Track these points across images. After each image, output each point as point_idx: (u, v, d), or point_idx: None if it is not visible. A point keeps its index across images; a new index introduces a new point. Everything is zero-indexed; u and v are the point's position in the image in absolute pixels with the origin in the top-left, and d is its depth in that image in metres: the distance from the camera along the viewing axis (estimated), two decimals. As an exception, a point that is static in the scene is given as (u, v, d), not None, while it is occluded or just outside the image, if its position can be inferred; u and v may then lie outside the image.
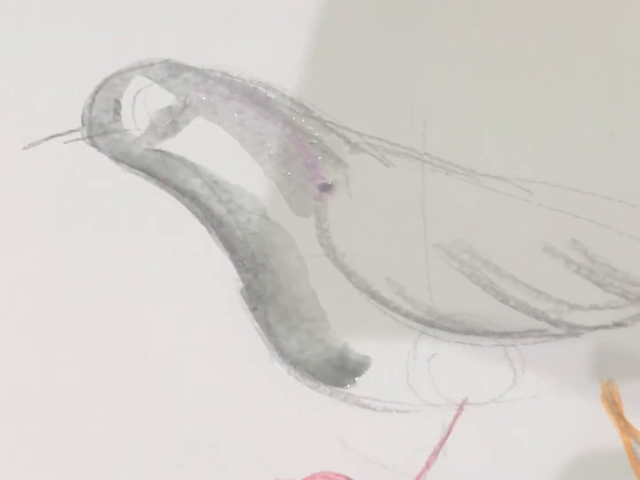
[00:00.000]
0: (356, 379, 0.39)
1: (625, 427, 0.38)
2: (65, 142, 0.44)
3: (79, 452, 0.38)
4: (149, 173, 0.43)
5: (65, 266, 0.41)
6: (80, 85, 0.45)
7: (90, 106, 0.45)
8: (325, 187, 0.43)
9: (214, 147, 0.44)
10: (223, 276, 0.41)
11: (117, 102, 0.45)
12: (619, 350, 0.39)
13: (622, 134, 0.43)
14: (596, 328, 0.40)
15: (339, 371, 0.39)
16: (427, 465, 0.37)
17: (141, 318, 0.40)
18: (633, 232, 0.41)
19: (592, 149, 0.43)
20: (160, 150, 0.44)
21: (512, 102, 0.45)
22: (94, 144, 0.44)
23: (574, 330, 0.40)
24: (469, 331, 0.40)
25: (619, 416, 0.38)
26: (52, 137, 0.44)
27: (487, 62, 0.46)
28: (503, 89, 0.45)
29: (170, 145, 0.44)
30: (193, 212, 0.42)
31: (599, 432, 0.38)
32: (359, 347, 0.39)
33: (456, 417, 0.38)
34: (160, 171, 0.43)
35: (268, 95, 0.45)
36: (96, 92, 0.45)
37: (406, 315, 0.40)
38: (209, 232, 0.42)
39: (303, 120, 0.44)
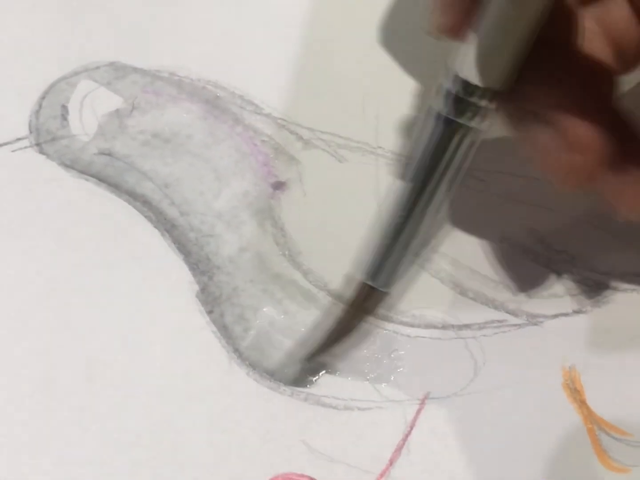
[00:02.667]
0: (316, 378, 0.38)
1: (588, 414, 0.38)
2: (13, 151, 0.43)
3: (35, 457, 0.37)
4: (99, 178, 0.42)
5: (16, 274, 0.40)
6: (25, 92, 0.44)
7: (37, 113, 0.44)
8: (279, 185, 0.42)
9: (163, 149, 0.43)
10: (178, 280, 0.40)
11: (64, 108, 0.44)
12: (580, 337, 0.39)
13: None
14: (556, 316, 0.40)
15: (299, 371, 0.38)
16: (391, 462, 0.37)
17: (96, 324, 0.39)
18: (590, 219, 0.41)
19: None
20: (109, 155, 0.43)
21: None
22: (42, 151, 0.43)
23: (533, 319, 0.40)
24: (428, 325, 0.39)
25: (581, 403, 0.38)
26: (-1, 145, 0.44)
27: (438, 53, 0.45)
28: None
29: (119, 148, 0.43)
30: (145, 216, 0.42)
31: (562, 420, 0.38)
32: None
33: (418, 412, 0.38)
34: (110, 176, 0.42)
35: (217, 94, 0.44)
36: (42, 98, 0.44)
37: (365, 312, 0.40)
38: (162, 235, 0.41)
39: (253, 118, 0.44)
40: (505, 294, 0.40)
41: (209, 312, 0.39)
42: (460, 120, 0.32)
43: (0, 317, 0.40)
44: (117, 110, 0.44)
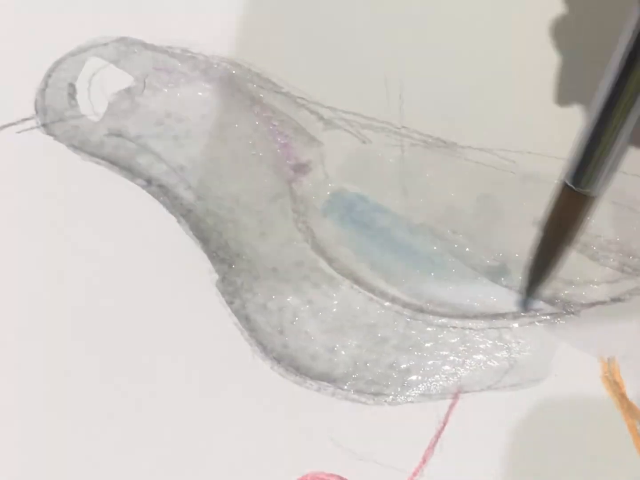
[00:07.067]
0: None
1: (628, 407, 0.36)
2: (18, 132, 0.41)
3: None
4: (110, 161, 0.40)
5: (26, 261, 0.39)
6: (31, 70, 0.42)
7: (43, 92, 0.42)
8: (300, 168, 0.40)
9: (177, 129, 0.41)
10: (197, 269, 0.38)
11: (72, 86, 0.42)
12: (618, 326, 0.38)
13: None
14: (593, 304, 0.38)
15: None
16: (424, 460, 0.35)
17: (110, 318, 0.38)
18: (626, 202, 0.40)
19: (574, 117, 0.41)
20: (120, 136, 0.41)
21: (491, 70, 0.42)
22: (49, 132, 0.41)
23: (569, 308, 0.38)
24: (461, 314, 0.38)
25: (621, 397, 0.36)
26: (4, 127, 0.41)
27: (464, 28, 0.43)
28: (481, 57, 0.43)
29: (131, 129, 0.41)
30: (160, 202, 0.40)
31: (601, 415, 0.36)
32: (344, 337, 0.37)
33: (452, 407, 0.36)
34: (122, 158, 0.40)
35: (233, 71, 0.42)
36: (48, 76, 0.42)
37: (393, 300, 0.38)
38: (179, 221, 0.39)
39: (271, 97, 0.42)
40: (540, 282, 0.38)
41: (230, 303, 0.38)
42: None
43: (10, 302, 0.38)
44: (127, 89, 0.42)
